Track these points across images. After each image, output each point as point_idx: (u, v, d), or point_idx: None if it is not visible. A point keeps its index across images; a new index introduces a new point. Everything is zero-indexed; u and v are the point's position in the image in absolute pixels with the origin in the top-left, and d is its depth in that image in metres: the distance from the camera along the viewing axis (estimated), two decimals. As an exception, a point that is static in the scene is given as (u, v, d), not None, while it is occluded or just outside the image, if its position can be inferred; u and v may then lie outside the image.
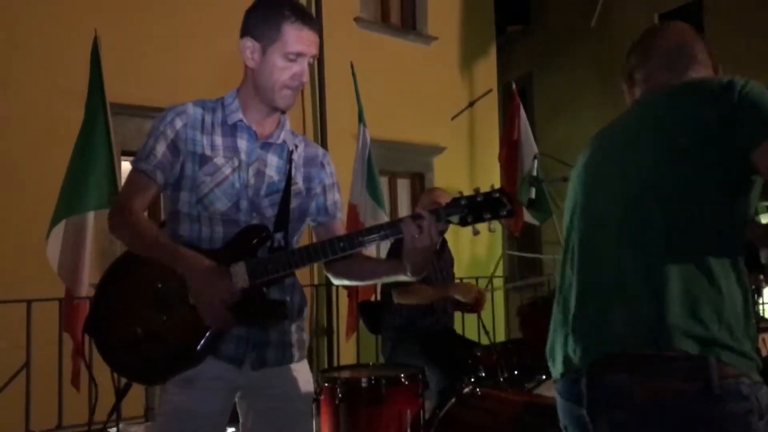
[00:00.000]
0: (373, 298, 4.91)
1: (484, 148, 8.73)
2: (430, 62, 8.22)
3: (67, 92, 5.38)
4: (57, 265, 3.99)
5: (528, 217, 5.71)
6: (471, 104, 8.59)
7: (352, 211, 5.15)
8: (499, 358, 3.22)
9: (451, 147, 8.35)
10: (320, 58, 7.07)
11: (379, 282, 2.08)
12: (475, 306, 3.60)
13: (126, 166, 4.27)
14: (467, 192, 1.81)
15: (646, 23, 9.73)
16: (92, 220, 4.06)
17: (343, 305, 5.57)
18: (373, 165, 5.31)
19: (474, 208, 1.77)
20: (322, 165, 2.07)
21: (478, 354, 3.25)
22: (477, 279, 5.61)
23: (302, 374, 1.99)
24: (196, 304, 1.75)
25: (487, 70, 8.91)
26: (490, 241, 8.54)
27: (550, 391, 3.53)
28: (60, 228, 4.02)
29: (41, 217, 4.28)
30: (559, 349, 1.58)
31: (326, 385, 2.93)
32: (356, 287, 4.93)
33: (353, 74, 5.54)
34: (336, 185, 2.12)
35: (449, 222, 1.81)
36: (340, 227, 2.07)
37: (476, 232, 1.81)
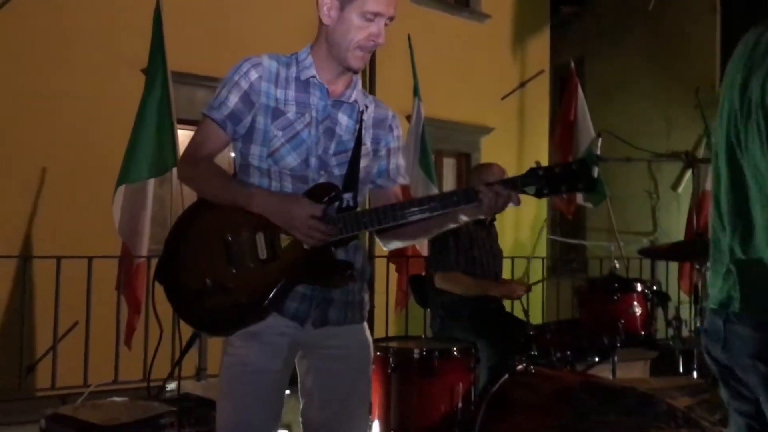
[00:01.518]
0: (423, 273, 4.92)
1: (532, 129, 8.63)
2: (483, 40, 8.11)
3: (128, 59, 5.48)
4: (118, 225, 4.10)
5: (581, 199, 5.63)
6: (522, 85, 8.48)
7: (404, 188, 5.13)
8: (552, 338, 3.20)
9: (500, 127, 8.27)
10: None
11: (429, 236, 2.07)
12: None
13: (180, 134, 4.35)
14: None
15: (707, 9, 9.44)
16: (152, 186, 4.15)
17: (381, 281, 5.58)
18: (426, 140, 5.28)
19: (551, 180, 1.75)
20: (390, 128, 2.05)
21: (531, 332, 3.24)
22: (513, 259, 5.56)
23: (363, 336, 2.01)
24: (290, 231, 1.77)
25: (539, 50, 8.77)
26: (533, 223, 8.47)
27: (601, 372, 3.51)
28: (120, 191, 4.12)
29: (104, 179, 4.39)
30: None
31: (378, 354, 2.94)
32: (406, 262, 4.94)
33: (410, 48, 5.50)
34: (401, 149, 2.11)
35: (524, 192, 1.79)
36: (397, 192, 2.06)
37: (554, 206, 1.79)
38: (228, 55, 5.75)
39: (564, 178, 1.76)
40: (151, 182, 4.16)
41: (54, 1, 5.37)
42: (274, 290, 1.80)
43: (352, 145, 1.93)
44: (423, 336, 3.64)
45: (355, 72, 1.93)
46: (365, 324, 2.04)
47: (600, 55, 10.57)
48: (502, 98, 8.31)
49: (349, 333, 1.97)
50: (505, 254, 4.59)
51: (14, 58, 5.22)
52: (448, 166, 8.21)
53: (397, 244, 2.09)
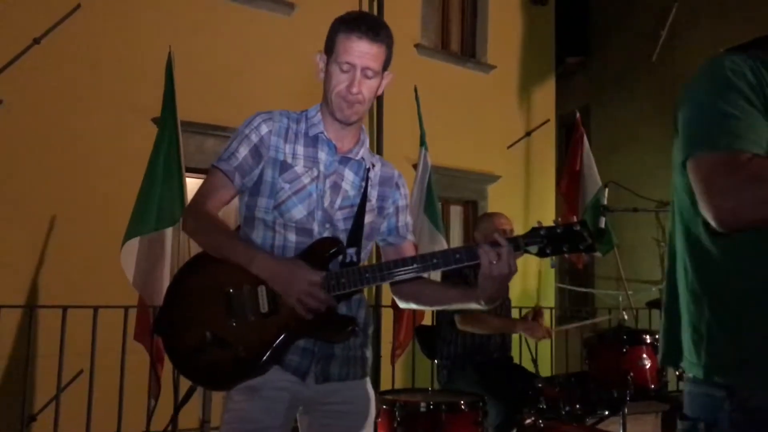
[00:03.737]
0: (431, 323, 4.89)
1: (539, 178, 8.66)
2: (489, 90, 8.23)
3: (140, 109, 5.57)
4: (132, 277, 4.10)
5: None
6: (528, 134, 8.55)
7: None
8: (561, 391, 3.15)
9: (506, 176, 8.31)
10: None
11: (448, 308, 2.06)
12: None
13: (188, 182, 4.39)
14: (531, 223, 1.79)
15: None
16: (170, 235, 4.17)
17: (387, 331, 5.54)
18: (433, 189, 5.31)
19: (553, 240, 1.75)
20: (397, 186, 2.08)
21: (540, 385, 3.19)
22: (520, 309, 5.52)
23: (365, 391, 1.99)
24: (286, 299, 1.76)
25: (545, 100, 8.87)
26: (542, 272, 8.42)
27: (611, 426, 3.43)
28: (134, 243, 4.13)
29: (113, 228, 4.41)
30: None
31: (384, 407, 2.90)
32: (412, 310, 4.90)
33: (417, 98, 5.59)
34: (408, 207, 2.13)
35: (527, 252, 1.79)
36: (409, 249, 2.07)
37: (554, 265, 1.80)
38: (236, 104, 5.95)
39: (566, 239, 1.76)
40: (169, 232, 4.17)
41: (67, 48, 5.48)
42: (275, 344, 1.79)
43: (357, 200, 1.95)
44: (430, 388, 3.57)
45: (352, 123, 1.95)
46: (367, 379, 2.02)
47: (606, 104, 10.68)
48: (508, 147, 8.37)
49: (351, 389, 1.95)
50: (515, 304, 4.56)
51: (26, 106, 5.31)
52: (455, 213, 8.23)
53: (412, 305, 2.08)
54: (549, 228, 1.77)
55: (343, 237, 1.90)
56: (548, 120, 8.69)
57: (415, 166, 7.22)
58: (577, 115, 6.52)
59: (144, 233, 4.13)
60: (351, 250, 1.90)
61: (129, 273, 4.10)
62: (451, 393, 3.20)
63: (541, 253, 1.77)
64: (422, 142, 5.47)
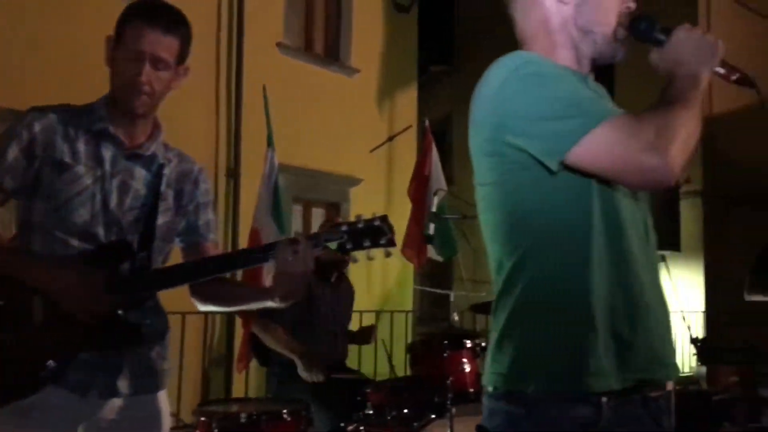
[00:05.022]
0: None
1: (401, 182, 8.75)
2: (352, 94, 8.24)
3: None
4: None
5: (432, 252, 5.74)
6: (390, 138, 8.64)
7: (255, 235, 5.03)
8: (388, 396, 3.15)
9: (369, 179, 8.35)
10: (238, 80, 6.98)
11: (246, 308, 1.98)
12: (366, 339, 3.57)
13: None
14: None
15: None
16: None
17: (239, 335, 5.39)
18: (279, 190, 5.22)
19: (354, 235, 1.73)
20: (197, 182, 1.96)
21: (368, 391, 3.17)
22: (378, 313, 5.57)
23: (156, 407, 1.85)
24: (66, 309, 1.64)
25: (407, 106, 9.02)
26: (402, 275, 8.54)
27: (437, 429, 3.48)
28: None
29: None
30: None
31: (202, 419, 2.77)
32: (248, 316, 4.77)
33: (265, 97, 5.47)
34: (210, 204, 2.01)
35: (327, 248, 1.76)
36: (211, 249, 1.96)
37: (354, 260, 1.80)
38: (46, 89, 5.41)
39: (367, 234, 1.74)
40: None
41: None
42: (51, 359, 1.64)
43: (150, 200, 1.82)
44: (254, 397, 3.47)
45: (139, 116, 1.81)
46: (161, 393, 1.88)
47: (468, 113, 11.02)
48: (371, 150, 8.43)
49: (141, 403, 1.81)
50: (372, 308, 4.58)
51: None
52: (317, 215, 8.17)
53: (211, 307, 1.98)
54: (350, 223, 1.75)
55: (134, 240, 1.77)
56: (410, 126, 8.83)
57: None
58: (426, 122, 6.69)
59: None
60: (142, 254, 1.77)
61: None
62: (274, 402, 3.12)
63: (341, 249, 1.75)
64: (269, 143, 5.36)
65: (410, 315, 7.32)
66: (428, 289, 8.61)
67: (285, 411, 2.82)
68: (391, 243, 1.79)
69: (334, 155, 7.92)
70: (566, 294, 1.31)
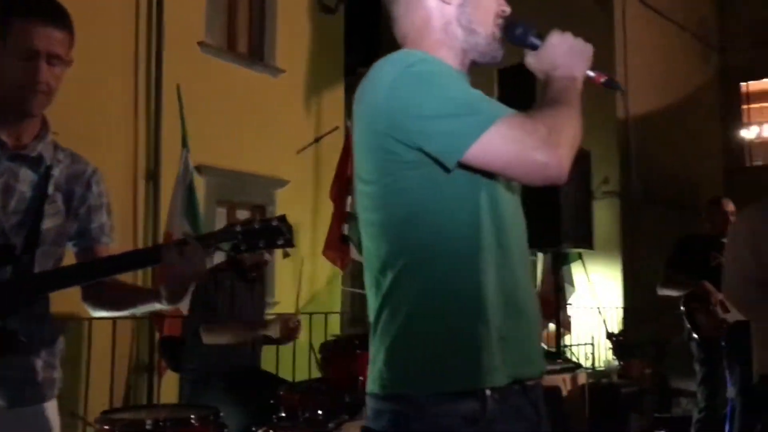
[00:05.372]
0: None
1: (328, 184, 8.69)
2: (278, 94, 8.17)
3: None
4: None
5: (355, 253, 5.75)
6: (317, 140, 8.61)
7: (168, 239, 4.93)
8: (302, 397, 3.13)
9: (295, 180, 8.30)
10: (157, 80, 6.81)
11: (136, 311, 1.92)
12: (287, 338, 3.54)
13: None
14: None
15: (487, 79, 10.32)
16: None
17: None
18: (194, 192, 5.13)
19: (249, 236, 1.70)
20: (89, 184, 1.89)
21: (281, 393, 3.15)
22: (311, 315, 5.53)
23: (44, 419, 1.78)
24: None
25: (334, 107, 9.00)
26: (331, 276, 8.51)
27: (352, 430, 3.49)
28: None
29: None
30: None
31: (105, 428, 2.69)
32: (161, 321, 4.67)
33: (179, 96, 5.36)
34: (105, 206, 1.94)
35: (220, 249, 1.74)
36: (103, 252, 1.89)
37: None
38: None
39: (262, 234, 1.71)
40: None
41: None
42: None
43: (35, 203, 1.75)
44: (168, 404, 3.40)
45: (33, 116, 1.74)
46: (50, 404, 1.80)
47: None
48: (298, 152, 8.38)
49: (21, 416, 1.72)
50: (301, 310, 4.50)
51: None
52: (242, 217, 8.05)
53: (102, 312, 1.92)
54: (245, 224, 1.72)
55: (19, 245, 1.69)
56: (337, 127, 8.82)
57: (198, 168, 6.97)
58: (348, 123, 6.71)
59: None
60: (26, 257, 1.70)
61: None
62: (184, 408, 3.06)
63: (235, 250, 1.72)
64: (184, 143, 5.26)
65: (339, 316, 7.30)
66: (351, 289, 8.61)
67: (193, 417, 2.76)
68: (289, 243, 1.76)
69: (259, 156, 7.83)
70: (459, 293, 1.33)
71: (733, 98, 13.37)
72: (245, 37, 8.16)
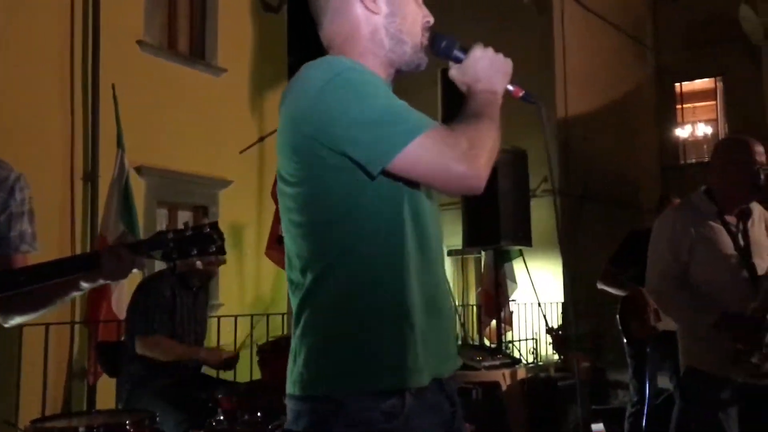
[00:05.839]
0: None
1: (271, 184, 8.70)
2: (220, 94, 8.07)
3: None
4: None
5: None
6: (261, 139, 8.54)
7: (103, 242, 4.82)
8: (240, 400, 3.12)
9: (239, 181, 8.22)
10: (94, 79, 6.65)
11: (54, 306, 1.87)
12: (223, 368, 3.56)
13: None
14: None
15: (430, 78, 10.42)
16: None
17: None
18: (131, 193, 5.03)
19: (180, 244, 1.70)
20: (12, 190, 1.85)
21: (219, 396, 3.13)
22: (252, 316, 5.49)
23: None
24: None
25: (278, 107, 8.92)
26: (277, 276, 8.45)
27: None
28: None
29: None
30: None
31: (36, 436, 2.63)
32: (96, 327, 4.58)
33: (114, 96, 5.26)
34: (27, 214, 1.90)
35: (151, 257, 1.73)
36: (20, 261, 1.86)
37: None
38: None
39: (194, 242, 1.71)
40: None
41: None
42: None
43: None
44: (104, 410, 3.34)
45: None
46: None
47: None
48: (241, 152, 8.30)
49: None
50: (248, 311, 4.45)
51: None
52: (184, 219, 7.91)
53: (18, 320, 1.87)
54: (177, 231, 1.71)
55: None
56: (281, 127, 8.78)
57: (138, 169, 6.84)
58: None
59: None
60: None
61: None
62: (118, 413, 3.02)
63: (166, 258, 1.71)
64: (119, 144, 5.16)
65: (282, 317, 7.25)
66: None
67: (128, 422, 2.73)
68: (221, 251, 1.76)
69: (201, 157, 7.73)
70: (382, 295, 1.35)
71: (668, 98, 13.84)
72: (186, 35, 8.04)
